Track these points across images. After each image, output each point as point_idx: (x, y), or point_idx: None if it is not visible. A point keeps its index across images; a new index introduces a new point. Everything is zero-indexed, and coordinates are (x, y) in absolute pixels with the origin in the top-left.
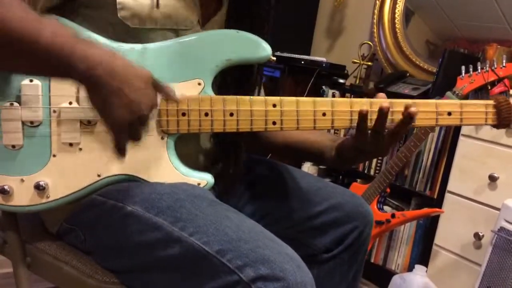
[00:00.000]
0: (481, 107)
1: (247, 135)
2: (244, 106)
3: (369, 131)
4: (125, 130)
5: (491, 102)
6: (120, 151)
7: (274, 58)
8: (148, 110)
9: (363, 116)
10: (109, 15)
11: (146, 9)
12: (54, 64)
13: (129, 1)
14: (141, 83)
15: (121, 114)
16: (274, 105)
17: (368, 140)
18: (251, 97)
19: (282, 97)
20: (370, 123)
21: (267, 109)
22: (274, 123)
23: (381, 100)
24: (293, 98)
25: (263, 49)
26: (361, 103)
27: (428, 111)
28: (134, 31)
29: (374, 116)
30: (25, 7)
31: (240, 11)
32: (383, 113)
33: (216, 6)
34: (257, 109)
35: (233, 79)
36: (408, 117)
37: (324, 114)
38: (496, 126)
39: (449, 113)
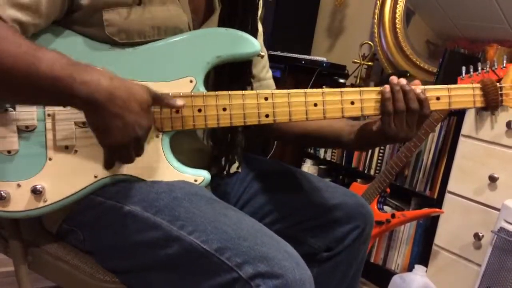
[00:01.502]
0: (469, 90)
1: (265, 129)
2: (236, 101)
3: (393, 114)
4: (118, 151)
5: (477, 85)
6: (109, 167)
7: (263, 54)
8: (143, 133)
9: (386, 98)
10: (98, 31)
11: (133, 24)
12: (54, 94)
13: (115, 17)
14: (139, 106)
15: (118, 137)
16: (266, 98)
17: (393, 121)
18: (244, 91)
19: (273, 90)
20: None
21: (259, 103)
22: (267, 116)
23: (371, 88)
24: (285, 91)
25: (252, 45)
26: (352, 92)
27: None
28: (122, 45)
29: (366, 104)
30: (19, 39)
31: (231, 16)
32: (405, 91)
33: (208, 12)
34: (249, 103)
35: (228, 76)
36: (418, 95)
37: (315, 105)
38: (485, 108)
39: (438, 98)
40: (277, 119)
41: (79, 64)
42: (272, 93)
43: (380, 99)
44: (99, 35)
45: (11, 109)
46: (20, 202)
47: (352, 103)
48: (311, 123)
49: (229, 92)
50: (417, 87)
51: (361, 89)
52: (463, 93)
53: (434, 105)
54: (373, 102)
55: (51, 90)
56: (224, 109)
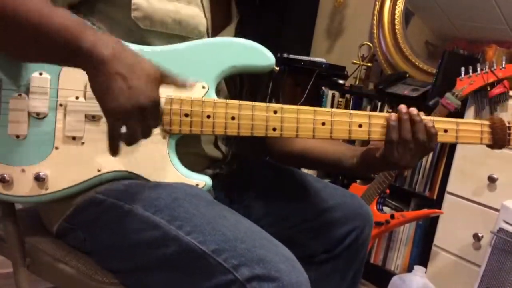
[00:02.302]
0: (477, 127)
1: (264, 144)
2: (246, 111)
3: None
4: (120, 119)
5: (486, 122)
6: (113, 147)
7: (278, 68)
8: (149, 104)
9: (391, 125)
10: (123, 14)
11: (159, 12)
12: (62, 44)
13: (143, 2)
14: (145, 74)
15: (120, 100)
16: (275, 112)
17: (396, 149)
18: (254, 102)
19: (283, 105)
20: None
21: (268, 115)
22: (274, 129)
23: (380, 114)
24: (294, 107)
25: (267, 59)
26: (361, 115)
27: None
28: (143, 32)
29: (373, 129)
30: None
31: (248, 27)
32: (414, 121)
33: (226, 21)
34: (258, 115)
35: (245, 87)
36: (429, 129)
37: (323, 124)
38: (491, 146)
39: (446, 130)
40: (284, 133)
41: (91, 26)
42: (282, 108)
43: (386, 126)
44: (123, 17)
45: (24, 95)
46: (22, 187)
47: (360, 126)
48: (313, 144)
49: (240, 102)
50: (427, 120)
51: (370, 113)
52: (471, 128)
53: (440, 137)
54: (381, 127)
55: (58, 40)
56: (233, 118)
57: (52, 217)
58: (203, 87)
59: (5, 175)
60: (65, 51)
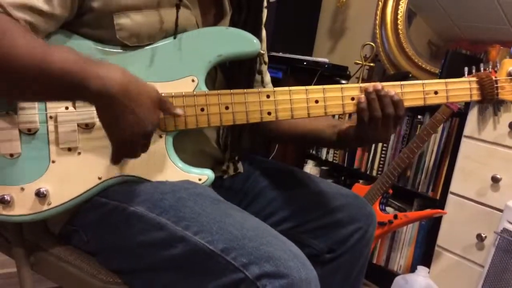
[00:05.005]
0: (465, 84)
1: (252, 130)
2: (238, 99)
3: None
4: (126, 146)
5: (474, 79)
6: (116, 163)
7: (263, 52)
8: (152, 128)
9: (361, 108)
10: (108, 35)
11: (144, 28)
12: (66, 88)
13: (127, 22)
14: (150, 102)
15: (128, 131)
16: (268, 96)
17: (368, 127)
18: (246, 89)
19: (275, 88)
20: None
21: (261, 100)
22: (269, 113)
23: (370, 84)
24: (286, 88)
25: (252, 44)
26: (352, 88)
27: (416, 91)
28: (132, 48)
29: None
30: (30, 35)
31: (241, 21)
32: (380, 96)
33: (218, 16)
34: (251, 101)
35: (233, 74)
36: (392, 97)
37: (316, 102)
38: (481, 101)
39: (436, 92)
40: (280, 116)
41: (91, 59)
42: (274, 91)
43: (356, 109)
44: (110, 38)
45: (12, 112)
46: (24, 205)
47: (353, 99)
48: (297, 123)
49: (231, 90)
50: (390, 90)
51: (361, 85)
52: (460, 86)
53: (432, 99)
54: None
55: (62, 84)
56: (227, 108)
57: (54, 220)
58: (193, 80)
59: (5, 196)
60: (70, 94)
